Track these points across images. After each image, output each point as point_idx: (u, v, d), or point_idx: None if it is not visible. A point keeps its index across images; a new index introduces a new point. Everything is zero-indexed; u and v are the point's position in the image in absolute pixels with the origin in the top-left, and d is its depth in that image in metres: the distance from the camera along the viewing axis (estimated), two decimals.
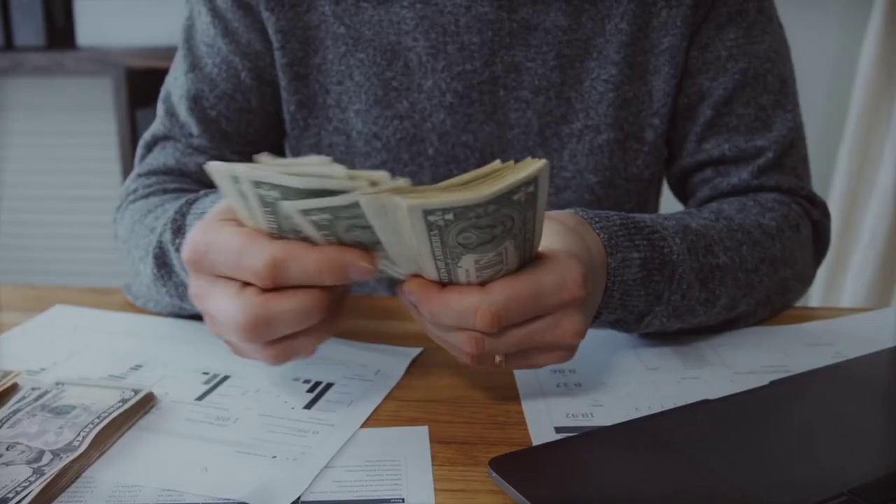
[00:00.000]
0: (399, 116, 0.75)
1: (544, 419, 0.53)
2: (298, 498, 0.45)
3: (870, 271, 1.78)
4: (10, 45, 1.79)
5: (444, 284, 0.47)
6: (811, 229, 0.75)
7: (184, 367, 0.61)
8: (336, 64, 0.75)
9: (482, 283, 0.46)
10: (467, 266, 0.44)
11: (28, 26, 1.78)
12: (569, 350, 0.50)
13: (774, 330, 0.68)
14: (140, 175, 0.79)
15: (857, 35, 1.81)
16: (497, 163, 0.42)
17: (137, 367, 0.61)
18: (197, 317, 0.69)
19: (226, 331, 0.48)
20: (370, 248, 0.45)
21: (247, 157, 0.77)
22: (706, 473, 0.45)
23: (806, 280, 0.75)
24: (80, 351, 0.64)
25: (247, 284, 0.46)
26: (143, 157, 0.81)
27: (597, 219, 0.56)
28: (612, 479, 0.46)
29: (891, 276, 1.78)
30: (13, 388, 0.57)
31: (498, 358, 0.49)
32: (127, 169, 1.76)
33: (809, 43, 1.74)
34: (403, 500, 0.45)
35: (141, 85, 1.78)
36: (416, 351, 0.63)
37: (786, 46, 0.78)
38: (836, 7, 1.84)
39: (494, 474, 0.46)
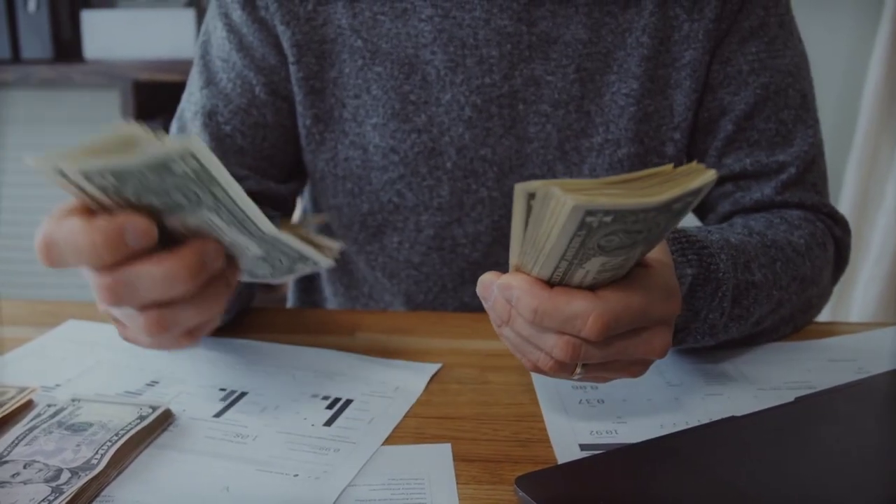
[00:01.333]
0: (417, 130, 0.74)
1: (568, 436, 0.52)
2: None
3: (878, 287, 1.78)
4: (17, 59, 1.79)
5: (550, 284, 0.45)
6: (834, 247, 0.74)
7: (200, 383, 0.60)
8: (353, 77, 0.74)
9: (590, 288, 0.44)
10: (590, 268, 0.42)
11: (35, 40, 1.78)
12: (647, 366, 0.49)
13: (796, 346, 0.67)
14: None
15: (865, 53, 1.81)
16: (661, 168, 0.40)
17: (153, 384, 0.60)
18: (226, 330, 0.68)
19: (98, 297, 0.43)
20: (164, 213, 0.42)
21: (262, 172, 0.77)
22: (733, 493, 0.45)
23: (826, 297, 0.74)
24: (95, 367, 0.63)
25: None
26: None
27: None
28: (639, 497, 0.45)
29: None
30: (28, 405, 0.56)
31: (579, 368, 0.47)
32: None
33: (818, 58, 1.74)
34: None
35: (147, 98, 1.77)
36: (435, 367, 0.62)
37: (806, 61, 0.78)
38: (843, 24, 1.84)
39: (522, 493, 0.45)
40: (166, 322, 0.44)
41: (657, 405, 0.57)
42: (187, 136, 0.38)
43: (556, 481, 0.46)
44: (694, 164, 0.40)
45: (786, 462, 0.48)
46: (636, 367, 0.49)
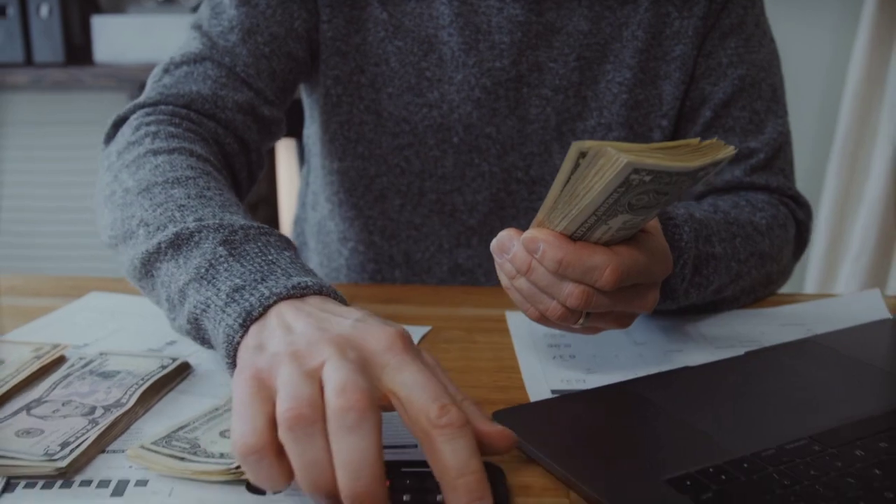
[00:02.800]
0: (429, 105, 0.81)
1: (542, 384, 0.59)
2: None
3: (858, 282, 1.84)
4: (30, 62, 1.86)
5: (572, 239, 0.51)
6: (795, 228, 0.81)
7: None
8: (374, 47, 0.81)
9: (605, 245, 0.51)
10: (612, 225, 0.48)
11: (47, 44, 1.85)
12: (633, 319, 0.57)
13: (753, 312, 0.74)
14: (155, 104, 0.72)
15: (845, 53, 1.88)
16: (689, 140, 0.47)
17: (172, 343, 0.67)
18: None
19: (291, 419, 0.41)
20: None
21: (275, 105, 0.78)
22: (682, 426, 0.51)
23: (787, 274, 0.81)
24: (118, 330, 0.70)
25: None
26: (158, 79, 0.75)
27: None
28: (600, 429, 0.52)
29: (880, 285, 1.84)
30: (61, 360, 0.63)
31: (582, 318, 0.54)
32: None
33: (800, 57, 1.82)
34: (416, 445, 0.50)
35: None
36: (425, 329, 0.69)
37: (777, 58, 0.85)
38: (824, 25, 1.91)
39: (499, 422, 0.51)
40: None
41: (623, 360, 0.63)
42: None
43: (528, 415, 0.53)
44: (715, 140, 0.47)
45: (731, 403, 0.55)
46: (626, 319, 0.56)
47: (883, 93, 1.81)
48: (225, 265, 0.52)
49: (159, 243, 0.55)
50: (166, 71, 0.75)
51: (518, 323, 0.70)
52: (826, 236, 1.85)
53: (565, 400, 0.56)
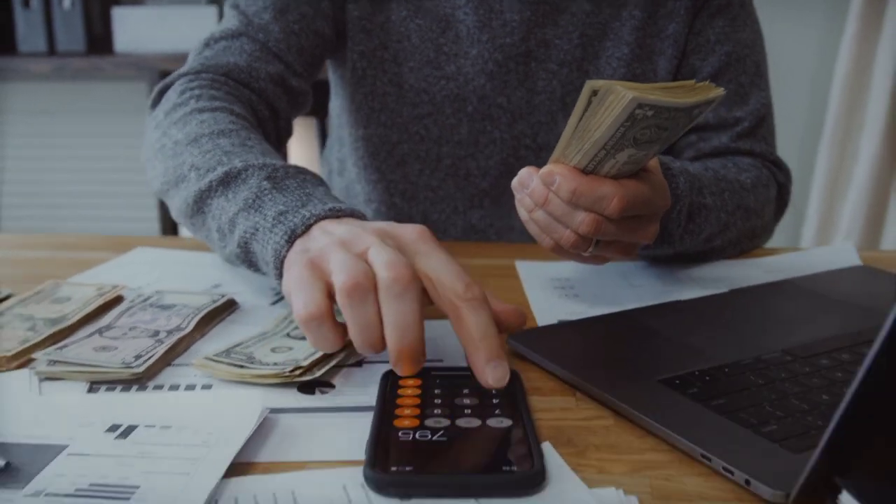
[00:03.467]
0: (446, 77, 0.90)
1: (550, 316, 0.67)
2: (361, 360, 0.58)
3: None
4: (52, 51, 1.93)
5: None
6: (777, 190, 0.89)
7: (254, 286, 0.74)
8: (397, 25, 0.89)
9: (613, 178, 0.58)
10: (619, 158, 0.55)
11: (69, 34, 1.92)
12: (636, 249, 0.64)
13: (740, 262, 0.82)
14: (197, 73, 0.80)
15: (834, 44, 1.96)
16: (686, 82, 0.54)
17: (217, 286, 0.74)
18: None
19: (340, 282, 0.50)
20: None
21: (303, 78, 0.87)
22: (672, 342, 0.59)
23: (768, 231, 0.89)
24: (166, 276, 0.77)
25: None
26: (200, 52, 0.83)
27: None
28: (602, 345, 0.60)
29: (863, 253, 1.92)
30: (119, 299, 0.71)
31: (591, 247, 0.61)
32: None
33: (789, 54, 1.90)
34: (442, 360, 0.58)
35: None
36: None
37: (761, 37, 0.93)
38: (814, 18, 1.99)
39: (513, 342, 0.59)
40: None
41: (621, 298, 0.71)
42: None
43: (539, 336, 0.61)
44: (707, 82, 0.54)
45: (716, 327, 0.62)
46: (631, 248, 0.64)
47: (869, 82, 1.89)
48: (269, 196, 0.60)
49: (210, 182, 0.64)
50: (207, 45, 0.85)
51: (527, 269, 0.78)
52: (818, 216, 1.93)
53: (571, 325, 0.63)
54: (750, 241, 0.85)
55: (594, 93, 0.51)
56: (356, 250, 0.51)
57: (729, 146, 0.89)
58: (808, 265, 0.79)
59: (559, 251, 0.63)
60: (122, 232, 2.09)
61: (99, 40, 1.97)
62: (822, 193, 1.93)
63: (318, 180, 0.64)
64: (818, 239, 1.95)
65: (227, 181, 0.63)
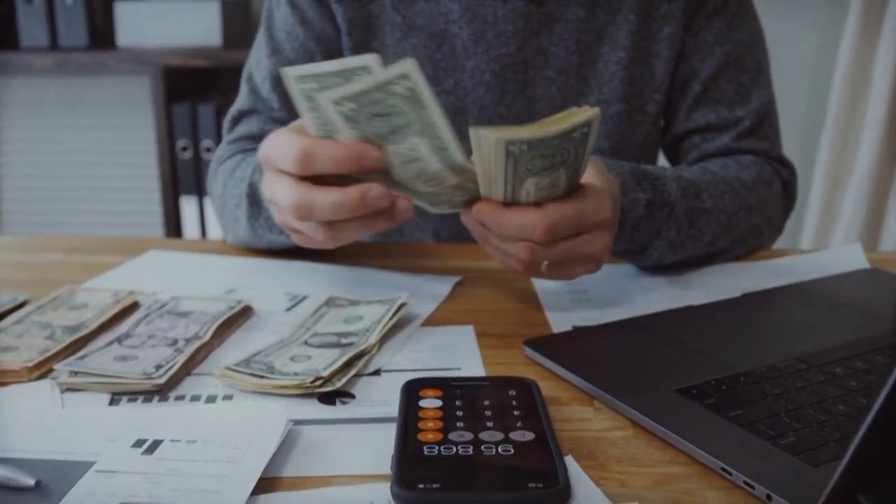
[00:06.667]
0: (446, 92, 0.90)
1: (563, 322, 0.67)
2: (379, 368, 0.59)
3: None
4: (55, 46, 1.93)
5: (507, 204, 0.60)
6: (781, 186, 0.89)
7: (269, 290, 0.75)
8: (393, 48, 0.90)
9: (537, 204, 0.60)
10: (529, 188, 0.58)
11: (71, 28, 1.92)
12: (597, 263, 0.64)
13: (749, 265, 0.82)
14: (229, 143, 0.93)
15: (835, 36, 1.96)
16: (569, 110, 0.57)
17: (231, 291, 0.75)
18: (287, 253, 0.83)
19: (284, 211, 0.62)
20: (385, 139, 0.58)
21: None
22: (686, 349, 0.60)
23: (776, 228, 0.90)
24: (181, 281, 0.78)
25: (302, 178, 0.60)
26: (231, 129, 0.96)
27: (614, 165, 0.71)
28: (617, 352, 0.60)
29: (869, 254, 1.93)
30: (135, 305, 0.71)
31: (543, 266, 0.63)
32: (164, 159, 1.90)
33: (789, 52, 1.90)
34: (460, 368, 0.59)
35: (176, 82, 1.92)
36: (456, 278, 0.77)
37: (761, 35, 0.93)
38: (814, 14, 1.99)
39: (529, 350, 0.60)
40: (335, 234, 0.62)
41: (633, 302, 0.72)
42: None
43: (555, 342, 0.62)
44: (587, 107, 0.57)
45: (729, 332, 0.63)
46: (588, 264, 0.64)
47: (870, 81, 1.89)
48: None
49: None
50: (235, 122, 0.96)
51: None
52: (819, 208, 1.94)
53: (586, 331, 0.64)
54: (756, 240, 0.85)
55: (479, 139, 0.56)
56: None
57: (731, 146, 0.90)
58: (817, 268, 0.80)
59: (520, 274, 0.64)
60: (125, 226, 2.09)
61: (101, 35, 1.97)
62: (823, 190, 1.93)
63: None
64: (819, 235, 1.96)
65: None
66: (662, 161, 1.03)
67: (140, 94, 1.98)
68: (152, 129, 1.91)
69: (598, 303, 0.71)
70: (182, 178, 1.91)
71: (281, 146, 0.60)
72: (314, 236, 0.63)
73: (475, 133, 0.55)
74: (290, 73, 0.56)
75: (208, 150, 1.83)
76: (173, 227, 1.95)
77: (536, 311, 0.70)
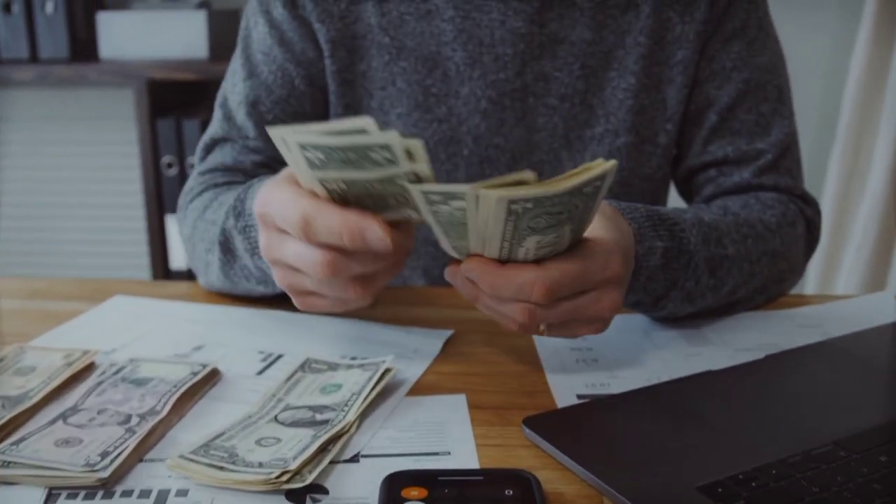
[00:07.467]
0: (438, 120, 0.82)
1: (567, 388, 0.60)
2: (358, 453, 0.52)
3: (861, 272, 1.86)
4: (35, 58, 1.86)
5: (502, 262, 0.54)
6: (805, 226, 0.82)
7: (241, 347, 0.68)
8: (380, 71, 0.82)
9: (536, 261, 0.53)
10: (528, 245, 0.51)
11: (53, 40, 1.85)
12: (604, 322, 0.58)
13: (770, 314, 0.75)
14: (200, 174, 0.86)
15: (847, 48, 1.89)
16: (583, 165, 0.50)
17: (199, 348, 0.68)
18: (262, 301, 0.76)
19: (299, 273, 0.55)
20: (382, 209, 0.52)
21: None
22: (710, 430, 0.53)
23: (798, 272, 0.82)
24: (145, 335, 0.70)
25: None
26: (203, 158, 0.88)
27: (628, 210, 0.63)
28: (630, 433, 0.53)
29: (881, 276, 1.86)
30: (91, 366, 0.64)
31: (542, 326, 0.56)
32: (148, 175, 1.83)
33: (801, 56, 1.83)
34: (450, 453, 0.52)
35: (160, 96, 1.84)
36: (448, 333, 0.70)
37: (782, 59, 0.86)
38: (826, 18, 1.92)
39: (528, 431, 0.53)
40: (369, 288, 0.55)
41: (644, 363, 0.64)
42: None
43: (559, 421, 0.54)
44: (600, 160, 0.50)
45: (755, 407, 0.56)
46: (595, 324, 0.57)
47: (885, 86, 1.82)
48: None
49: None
50: (207, 150, 0.88)
51: None
52: (829, 226, 1.86)
53: (593, 406, 0.57)
54: (777, 286, 0.78)
55: (476, 198, 0.48)
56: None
57: (751, 182, 0.82)
58: (845, 318, 0.73)
59: (518, 332, 0.57)
60: (108, 244, 2.02)
61: (83, 47, 1.89)
62: (834, 203, 1.86)
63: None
64: (829, 251, 1.88)
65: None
66: (673, 194, 0.95)
67: (123, 108, 1.90)
68: (136, 144, 1.84)
69: (605, 363, 0.64)
70: (167, 195, 1.84)
71: (284, 206, 0.53)
72: (342, 295, 0.55)
73: (472, 193, 0.48)
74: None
75: (194, 166, 1.75)
76: (158, 245, 1.88)
77: (536, 373, 0.63)
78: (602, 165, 0.49)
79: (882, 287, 1.86)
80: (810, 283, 1.94)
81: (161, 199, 1.86)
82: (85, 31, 1.91)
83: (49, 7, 1.83)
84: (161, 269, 1.89)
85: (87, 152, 1.96)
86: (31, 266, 2.06)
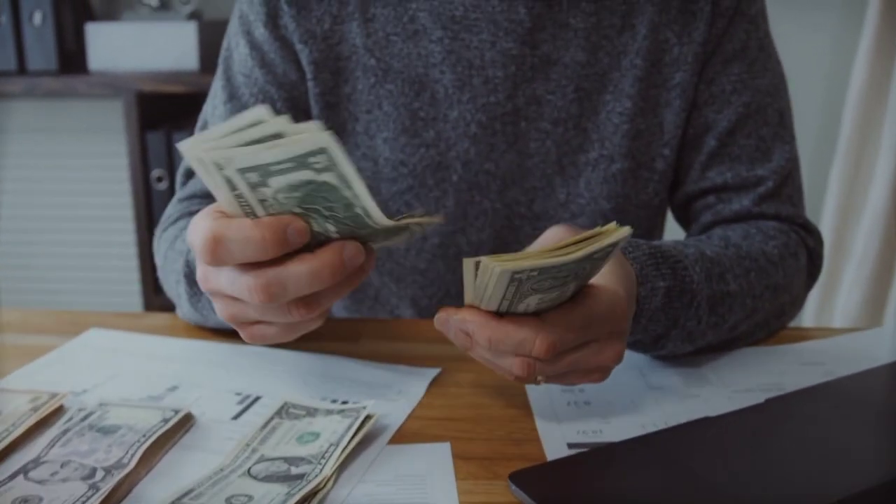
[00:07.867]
0: (425, 145, 0.79)
1: (557, 436, 0.57)
2: None
3: (861, 289, 1.83)
4: (23, 70, 1.83)
5: (500, 314, 0.51)
6: (807, 257, 0.79)
7: (217, 388, 0.65)
8: (365, 94, 0.79)
9: (535, 313, 0.51)
10: (530, 302, 0.49)
11: (41, 52, 1.82)
12: (605, 372, 0.55)
13: (770, 350, 0.72)
14: (179, 200, 0.83)
15: (849, 48, 1.86)
16: (595, 229, 0.48)
17: (174, 388, 0.65)
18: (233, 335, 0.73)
19: (237, 302, 0.51)
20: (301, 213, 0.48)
21: None
22: (706, 486, 0.50)
23: (799, 304, 0.79)
24: (119, 373, 0.68)
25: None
26: (184, 183, 0.86)
27: (629, 248, 0.61)
28: (621, 491, 0.50)
29: (882, 293, 1.83)
30: (59, 410, 0.61)
31: (540, 378, 0.54)
32: (137, 188, 1.80)
33: (801, 57, 1.80)
34: None
35: (150, 108, 1.82)
36: (434, 371, 0.67)
37: (784, 82, 0.83)
38: (826, 27, 1.89)
39: (514, 487, 0.50)
40: (313, 309, 0.50)
41: (639, 407, 0.61)
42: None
43: (547, 476, 0.51)
44: (613, 224, 0.48)
45: (755, 458, 0.53)
46: (595, 374, 0.55)
47: (887, 97, 1.79)
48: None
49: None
50: (187, 176, 0.87)
51: None
52: (829, 243, 1.83)
53: (584, 458, 0.54)
54: (778, 320, 0.75)
55: (476, 266, 0.47)
56: None
57: (752, 210, 0.79)
58: (847, 355, 0.70)
59: (518, 383, 0.55)
60: (96, 258, 1.99)
61: (72, 58, 1.86)
62: (835, 217, 1.83)
63: None
64: (830, 266, 1.85)
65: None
66: (670, 222, 0.92)
67: (113, 120, 1.87)
68: (125, 156, 1.81)
69: (598, 408, 0.61)
70: (157, 209, 1.81)
71: (195, 231, 0.49)
72: (285, 319, 0.51)
73: (471, 262, 0.46)
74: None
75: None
76: (147, 259, 1.85)
77: (525, 418, 0.60)
78: (616, 232, 0.47)
79: (883, 303, 1.83)
80: (809, 301, 1.92)
81: (151, 212, 1.83)
82: (74, 42, 1.88)
83: (37, 18, 1.80)
84: (151, 281, 1.86)
85: (76, 165, 1.93)
86: (18, 280, 2.03)
